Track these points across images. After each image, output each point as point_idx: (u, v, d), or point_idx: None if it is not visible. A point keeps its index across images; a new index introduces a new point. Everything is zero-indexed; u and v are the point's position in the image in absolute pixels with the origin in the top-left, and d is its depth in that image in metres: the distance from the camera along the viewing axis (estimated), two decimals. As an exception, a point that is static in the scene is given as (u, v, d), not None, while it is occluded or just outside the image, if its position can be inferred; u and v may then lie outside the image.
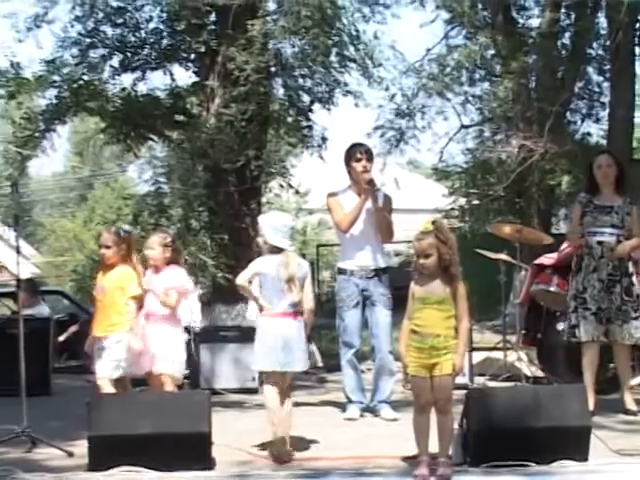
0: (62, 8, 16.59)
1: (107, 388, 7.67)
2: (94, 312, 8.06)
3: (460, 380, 9.63)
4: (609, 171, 8.66)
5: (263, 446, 7.24)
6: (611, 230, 8.53)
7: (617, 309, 8.49)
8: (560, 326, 10.10)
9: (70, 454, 7.00)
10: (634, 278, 8.64)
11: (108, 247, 7.83)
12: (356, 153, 8.90)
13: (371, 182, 8.70)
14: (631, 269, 8.66)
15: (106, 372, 7.72)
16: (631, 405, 8.55)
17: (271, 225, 7.52)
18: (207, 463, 6.46)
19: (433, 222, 6.38)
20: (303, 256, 17.69)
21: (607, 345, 8.73)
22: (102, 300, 7.82)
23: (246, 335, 8.90)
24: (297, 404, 8.06)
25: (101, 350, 7.73)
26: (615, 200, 8.63)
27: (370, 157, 9.00)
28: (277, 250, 7.43)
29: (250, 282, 7.46)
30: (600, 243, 8.52)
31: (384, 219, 8.79)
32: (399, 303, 7.70)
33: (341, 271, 8.98)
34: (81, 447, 6.68)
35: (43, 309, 13.94)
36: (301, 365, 7.44)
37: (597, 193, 8.70)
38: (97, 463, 6.33)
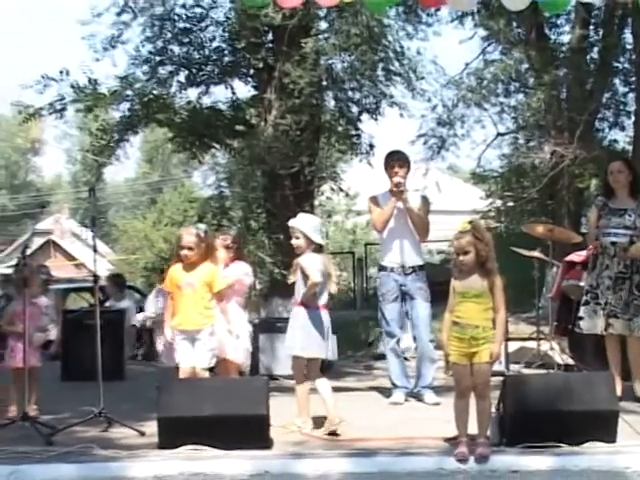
0: (134, 30, 16.85)
1: (204, 375, 7.68)
2: (173, 306, 7.94)
3: (497, 367, 9.60)
4: (619, 176, 8.57)
5: (317, 427, 7.30)
6: (624, 231, 8.43)
7: (625, 304, 8.38)
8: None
9: (142, 433, 7.06)
10: None
11: (191, 249, 7.73)
12: (389, 159, 8.93)
13: (398, 185, 8.69)
14: None
15: (205, 362, 7.66)
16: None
17: (313, 227, 7.60)
18: (265, 443, 6.49)
19: (470, 222, 6.40)
20: (352, 254, 17.79)
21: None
22: (191, 295, 7.68)
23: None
24: (347, 389, 8.09)
25: (194, 341, 7.63)
26: (629, 203, 8.53)
27: (402, 163, 8.93)
28: (319, 249, 7.53)
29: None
30: (613, 243, 8.45)
31: (419, 219, 8.77)
32: (441, 296, 7.70)
33: (382, 268, 8.98)
34: (152, 427, 6.74)
35: (127, 303, 14.07)
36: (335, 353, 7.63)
37: (612, 197, 8.63)
38: (166, 442, 6.39)
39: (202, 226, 8.31)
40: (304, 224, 7.61)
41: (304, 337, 7.39)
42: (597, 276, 8.53)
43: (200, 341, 7.63)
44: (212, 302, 7.77)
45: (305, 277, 7.47)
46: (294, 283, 7.81)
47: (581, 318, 8.65)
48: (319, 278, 7.44)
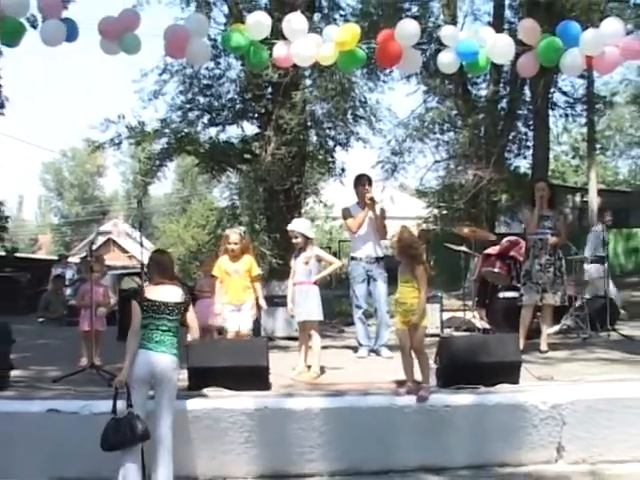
0: (171, 85, 16.96)
1: (249, 335, 7.69)
2: (222, 287, 7.79)
3: (434, 331, 9.68)
4: (543, 192, 8.72)
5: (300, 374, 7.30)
6: (547, 231, 8.65)
7: (552, 282, 8.58)
8: (501, 295, 10.12)
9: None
10: (563, 261, 8.78)
11: (236, 244, 7.75)
12: (361, 180, 8.89)
13: (372, 199, 8.67)
14: (561, 255, 8.77)
15: (249, 325, 7.73)
16: (543, 347, 8.56)
17: (306, 227, 7.70)
18: (266, 386, 6.44)
19: (402, 227, 6.51)
20: (329, 249, 17.77)
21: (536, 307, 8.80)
22: (237, 279, 7.72)
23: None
24: (325, 347, 8.05)
25: (240, 311, 7.69)
26: (548, 212, 8.71)
27: (370, 183, 8.95)
28: (312, 241, 7.64)
29: (307, 263, 7.60)
30: (541, 240, 8.64)
31: (381, 223, 8.76)
32: (395, 280, 7.67)
33: (353, 258, 8.94)
34: (183, 374, 6.67)
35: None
36: None
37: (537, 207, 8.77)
38: (193, 385, 6.34)
39: (242, 227, 8.30)
40: (300, 226, 7.67)
41: (319, 306, 7.54)
42: (530, 263, 8.67)
43: (244, 311, 7.71)
44: (250, 283, 7.82)
45: (319, 263, 7.66)
46: (289, 269, 7.84)
47: (522, 295, 8.74)
48: (340, 262, 7.59)
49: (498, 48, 7.07)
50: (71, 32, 6.86)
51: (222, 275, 7.80)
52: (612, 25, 7.21)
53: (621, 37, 7.10)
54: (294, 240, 7.66)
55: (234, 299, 7.73)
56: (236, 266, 7.75)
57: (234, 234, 7.86)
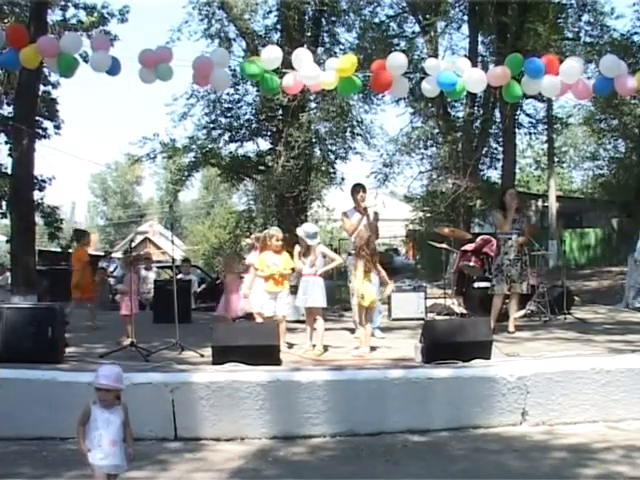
0: (197, 108, 16.98)
1: (283, 324, 7.61)
2: (265, 277, 7.78)
3: (419, 315, 9.69)
4: (514, 198, 8.75)
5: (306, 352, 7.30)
6: (515, 232, 8.69)
7: (519, 274, 8.63)
8: (476, 284, 10.13)
9: (202, 355, 7.02)
10: (527, 256, 8.83)
11: (280, 244, 7.79)
12: (357, 188, 8.85)
13: (365, 208, 8.66)
14: (526, 251, 8.82)
15: (285, 311, 7.78)
16: (511, 328, 8.58)
17: (302, 231, 7.67)
18: (277, 361, 6.44)
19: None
20: (331, 245, 17.77)
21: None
22: (276, 271, 7.71)
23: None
24: (327, 329, 8.04)
25: (277, 298, 7.69)
26: (516, 215, 8.74)
27: (364, 190, 8.89)
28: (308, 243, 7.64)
29: (306, 262, 7.62)
30: (510, 239, 8.65)
31: (374, 225, 8.74)
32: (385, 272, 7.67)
33: (350, 254, 8.94)
34: (207, 352, 6.70)
35: (192, 276, 14.13)
36: None
37: (508, 211, 8.76)
38: (216, 361, 6.34)
39: (275, 228, 8.34)
40: (299, 231, 7.69)
41: (323, 294, 7.55)
42: (501, 259, 8.71)
43: (281, 298, 7.72)
44: (287, 275, 7.84)
45: (324, 259, 7.65)
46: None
47: (494, 285, 8.77)
48: (341, 259, 7.86)
49: (472, 80, 7.14)
50: (115, 67, 6.88)
51: (263, 267, 7.79)
52: (569, 66, 7.31)
53: (577, 76, 7.21)
54: (301, 241, 7.72)
55: (272, 288, 7.73)
56: (276, 260, 7.76)
57: (279, 234, 7.89)
